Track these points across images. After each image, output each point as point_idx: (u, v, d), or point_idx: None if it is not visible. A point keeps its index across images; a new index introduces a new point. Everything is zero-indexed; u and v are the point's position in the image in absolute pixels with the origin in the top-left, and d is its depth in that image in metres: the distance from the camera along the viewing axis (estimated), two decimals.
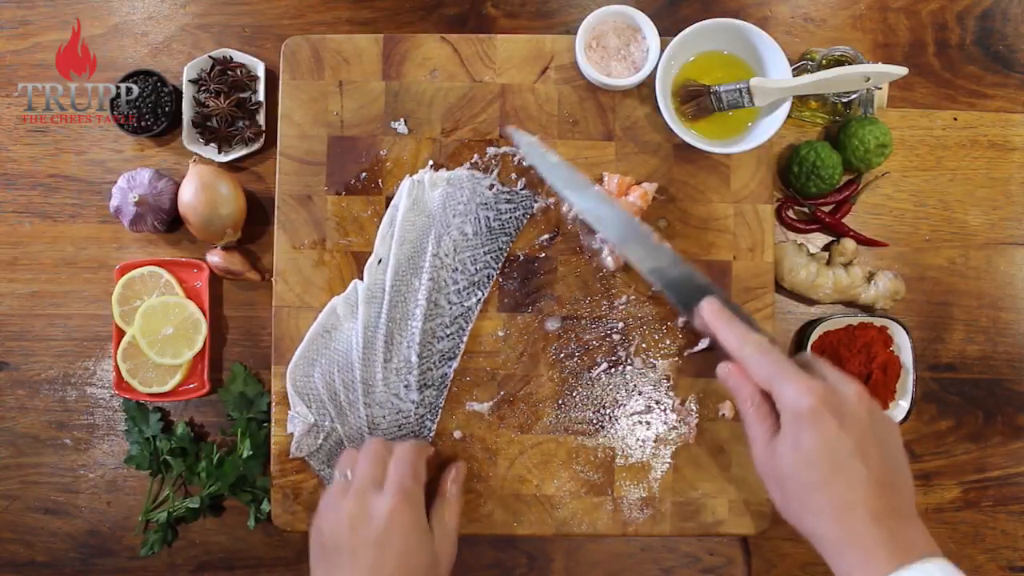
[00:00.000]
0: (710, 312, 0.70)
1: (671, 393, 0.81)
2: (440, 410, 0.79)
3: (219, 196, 0.82)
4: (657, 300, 0.81)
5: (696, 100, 0.79)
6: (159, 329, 0.83)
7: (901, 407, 0.85)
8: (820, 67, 0.83)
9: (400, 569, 0.65)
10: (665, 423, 0.80)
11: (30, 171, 0.89)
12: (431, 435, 0.79)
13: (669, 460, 0.80)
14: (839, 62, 0.84)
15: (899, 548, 0.57)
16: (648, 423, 0.80)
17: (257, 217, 0.88)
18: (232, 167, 0.88)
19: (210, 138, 0.86)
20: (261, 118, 0.87)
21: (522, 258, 0.81)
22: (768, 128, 0.78)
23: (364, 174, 0.82)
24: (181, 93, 0.87)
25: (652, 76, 0.79)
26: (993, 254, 0.89)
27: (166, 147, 0.89)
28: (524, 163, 0.82)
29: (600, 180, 0.82)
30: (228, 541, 0.87)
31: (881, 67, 0.76)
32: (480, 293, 0.80)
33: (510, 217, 0.80)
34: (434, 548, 0.69)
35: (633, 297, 0.81)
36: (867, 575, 0.57)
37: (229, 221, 0.83)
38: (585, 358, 0.81)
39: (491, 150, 0.82)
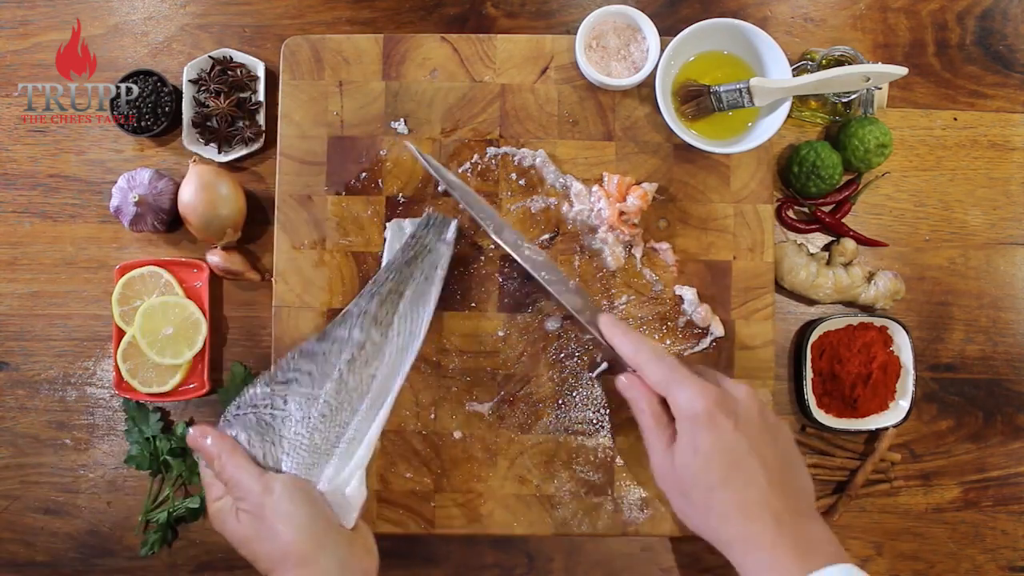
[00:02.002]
0: (607, 323, 0.72)
1: None
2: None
3: (219, 196, 0.82)
4: (657, 300, 0.81)
5: (696, 100, 0.79)
6: (159, 329, 0.83)
7: (901, 407, 0.85)
8: (820, 67, 0.83)
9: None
10: None
11: (30, 171, 0.89)
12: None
13: None
14: (839, 62, 0.84)
15: (804, 551, 0.58)
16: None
17: (257, 217, 0.88)
18: (232, 167, 0.88)
19: (210, 138, 0.86)
20: (261, 118, 0.87)
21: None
22: (768, 128, 0.78)
23: (364, 174, 0.82)
24: (181, 93, 0.87)
25: (652, 76, 0.79)
26: (993, 254, 0.89)
27: (166, 147, 0.89)
28: (524, 163, 0.82)
29: (600, 180, 0.82)
30: (228, 541, 0.87)
31: (881, 67, 0.76)
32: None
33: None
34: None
35: (633, 297, 0.81)
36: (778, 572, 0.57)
37: (229, 221, 0.83)
38: (585, 358, 0.81)
39: (491, 150, 0.82)
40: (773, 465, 0.62)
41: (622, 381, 0.69)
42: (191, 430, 0.69)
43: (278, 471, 0.68)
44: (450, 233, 0.78)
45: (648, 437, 0.67)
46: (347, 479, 0.69)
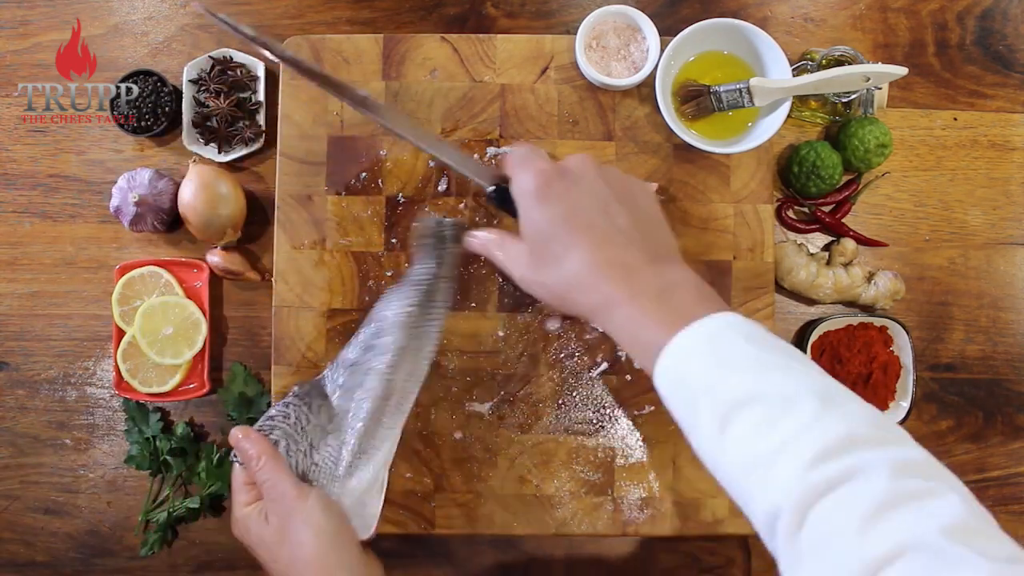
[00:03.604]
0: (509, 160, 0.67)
1: None
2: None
3: (219, 196, 0.82)
4: None
5: (696, 100, 0.79)
6: (159, 329, 0.83)
7: (901, 407, 0.85)
8: (820, 67, 0.83)
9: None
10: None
11: (30, 171, 0.89)
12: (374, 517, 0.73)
13: (669, 460, 0.80)
14: (839, 62, 0.84)
15: (667, 300, 0.54)
16: (648, 422, 0.80)
17: (257, 217, 0.88)
18: (232, 167, 0.88)
19: (210, 138, 0.86)
20: (261, 118, 0.87)
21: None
22: (768, 128, 0.78)
23: (364, 174, 0.82)
24: (181, 93, 0.87)
25: (652, 76, 0.79)
26: (993, 254, 0.89)
27: (166, 147, 0.89)
28: None
29: None
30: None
31: (881, 67, 0.76)
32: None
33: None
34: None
35: None
36: (650, 333, 0.53)
37: (229, 221, 0.83)
38: (585, 358, 0.81)
39: (491, 150, 0.82)
40: (624, 223, 0.59)
41: (474, 237, 0.68)
42: (234, 430, 0.69)
43: (307, 480, 0.69)
44: (458, 231, 0.77)
45: (503, 251, 0.65)
46: (370, 492, 0.71)
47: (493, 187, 0.67)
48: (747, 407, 0.49)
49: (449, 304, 0.74)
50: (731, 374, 0.50)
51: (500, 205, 0.66)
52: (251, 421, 0.84)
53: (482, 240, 0.67)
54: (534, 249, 0.61)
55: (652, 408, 0.80)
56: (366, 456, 0.71)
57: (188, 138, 0.86)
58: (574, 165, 0.62)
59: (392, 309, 0.72)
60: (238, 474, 0.70)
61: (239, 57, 0.87)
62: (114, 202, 0.84)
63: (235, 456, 0.70)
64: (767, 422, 0.48)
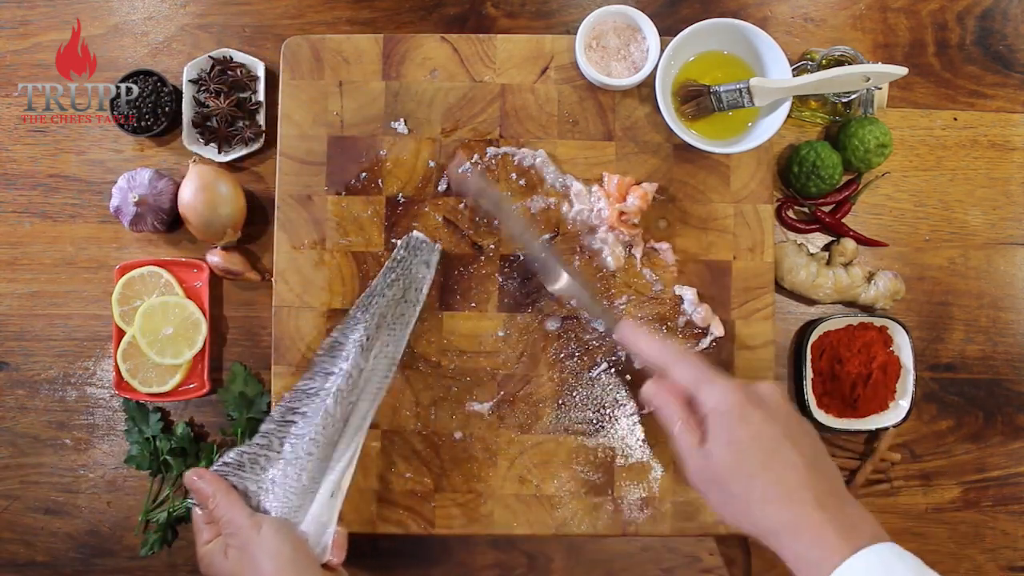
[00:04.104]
0: (628, 327, 0.72)
1: None
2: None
3: (219, 196, 0.82)
4: (657, 300, 0.81)
5: (696, 100, 0.79)
6: (159, 329, 0.83)
7: (901, 407, 0.85)
8: (820, 67, 0.83)
9: None
10: None
11: (30, 171, 0.89)
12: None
13: (669, 460, 0.80)
14: (839, 62, 0.84)
15: (849, 530, 0.57)
16: (648, 423, 0.80)
17: (257, 217, 0.87)
18: (232, 167, 0.88)
19: (210, 138, 0.86)
20: (261, 118, 0.87)
21: (522, 258, 0.81)
22: (768, 128, 0.78)
23: (364, 174, 0.82)
24: (181, 93, 0.87)
25: (652, 76, 0.79)
26: (993, 254, 0.89)
27: (166, 147, 0.89)
28: (524, 163, 0.82)
29: (600, 180, 0.82)
30: None
31: (881, 67, 0.76)
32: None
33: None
34: None
35: (633, 297, 0.81)
36: (823, 558, 0.56)
37: (229, 221, 0.83)
38: (585, 358, 0.81)
39: (491, 150, 0.82)
40: (807, 452, 0.62)
41: (649, 389, 0.68)
42: (187, 473, 0.72)
43: (267, 512, 0.71)
44: (434, 257, 0.79)
45: (680, 439, 0.66)
46: (327, 515, 0.71)
47: (603, 366, 0.74)
48: None
49: (409, 327, 0.77)
50: None
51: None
52: (251, 421, 0.84)
53: (666, 405, 0.67)
54: (720, 456, 0.63)
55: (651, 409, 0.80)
56: (326, 479, 0.72)
57: (188, 138, 0.86)
58: (769, 392, 0.66)
59: (342, 332, 0.75)
60: (197, 515, 0.71)
61: (239, 57, 0.87)
62: (114, 202, 0.84)
63: (191, 499, 0.72)
64: None
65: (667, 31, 0.79)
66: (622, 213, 0.80)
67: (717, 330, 0.80)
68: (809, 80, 0.75)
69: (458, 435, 0.80)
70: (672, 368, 0.68)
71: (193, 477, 0.71)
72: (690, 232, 0.82)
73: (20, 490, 0.87)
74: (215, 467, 0.72)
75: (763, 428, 0.62)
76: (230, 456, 0.72)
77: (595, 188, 0.81)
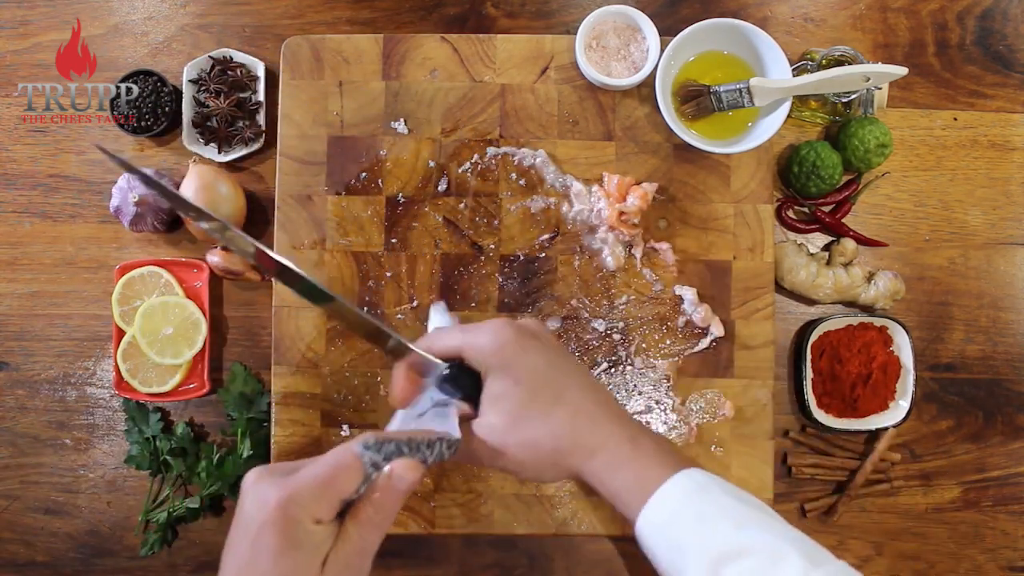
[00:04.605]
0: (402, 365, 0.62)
1: (671, 393, 0.81)
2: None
3: (219, 196, 0.82)
4: (657, 300, 0.81)
5: (696, 100, 0.79)
6: (159, 329, 0.83)
7: (901, 407, 0.85)
8: (820, 67, 0.83)
9: (243, 568, 0.54)
10: (665, 423, 0.80)
11: (30, 171, 0.89)
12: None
13: None
14: (839, 62, 0.84)
15: (665, 455, 0.58)
16: (648, 423, 0.80)
17: (257, 217, 0.87)
18: (232, 167, 0.88)
19: (210, 138, 0.86)
20: (261, 118, 0.87)
21: (522, 258, 0.81)
22: (768, 128, 0.78)
23: (364, 174, 0.82)
24: (181, 93, 0.87)
25: (652, 76, 0.79)
26: (993, 254, 0.89)
27: (166, 147, 0.89)
28: (524, 163, 0.82)
29: (600, 180, 0.82)
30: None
31: (881, 67, 0.76)
32: None
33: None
34: None
35: (633, 297, 0.81)
36: (643, 484, 0.56)
37: (229, 221, 0.83)
38: (585, 358, 0.81)
39: (491, 150, 0.82)
40: (590, 377, 0.62)
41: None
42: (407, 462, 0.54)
43: None
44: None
45: (471, 436, 0.59)
46: None
47: (448, 366, 0.60)
48: (736, 560, 0.52)
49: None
50: (717, 527, 0.54)
51: (454, 385, 0.60)
52: (251, 421, 0.84)
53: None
54: (516, 408, 0.57)
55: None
56: None
57: (188, 138, 0.86)
58: (530, 324, 0.62)
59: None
60: (339, 479, 0.52)
61: (239, 57, 0.87)
62: (114, 202, 0.84)
63: (373, 467, 0.53)
64: (758, 575, 0.51)
65: (667, 31, 0.79)
66: (622, 213, 0.80)
67: (717, 330, 0.80)
68: (809, 80, 0.75)
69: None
70: (434, 347, 0.60)
71: (403, 465, 0.53)
72: (690, 232, 0.82)
73: (20, 490, 0.87)
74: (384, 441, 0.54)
75: (547, 356, 0.59)
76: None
77: (595, 188, 0.81)
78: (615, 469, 0.58)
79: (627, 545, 0.87)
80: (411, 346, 0.60)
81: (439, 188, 0.82)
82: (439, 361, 0.60)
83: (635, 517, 0.57)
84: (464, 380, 0.60)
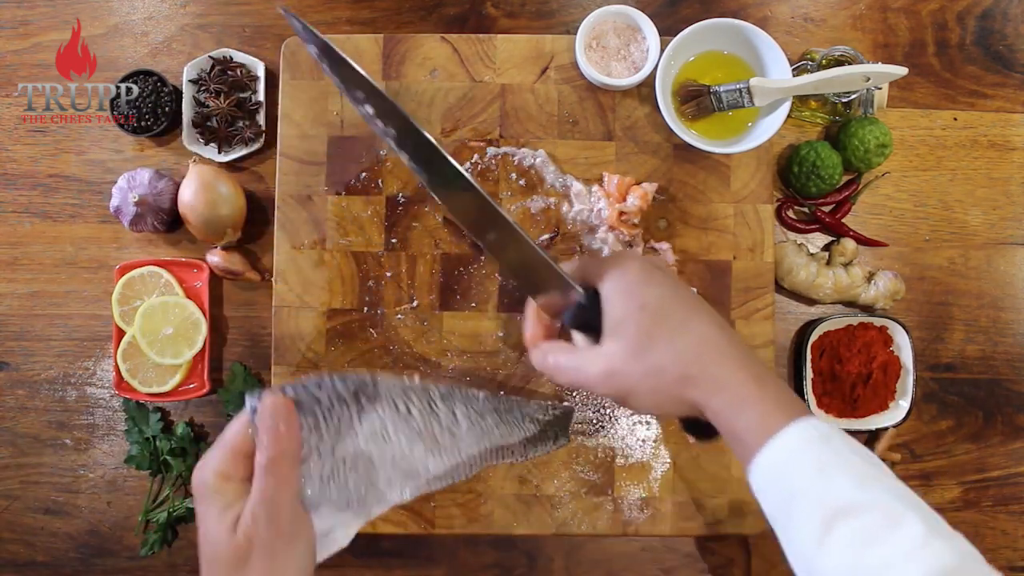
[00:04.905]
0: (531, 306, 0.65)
1: None
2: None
3: (219, 196, 0.82)
4: None
5: (696, 100, 0.79)
6: (159, 329, 0.83)
7: (901, 407, 0.85)
8: (820, 67, 0.83)
9: (200, 551, 0.55)
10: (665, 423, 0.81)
11: (30, 171, 0.89)
12: None
13: (669, 460, 0.80)
14: (839, 62, 0.84)
15: (787, 403, 0.55)
16: (648, 423, 0.80)
17: (257, 217, 0.87)
18: (232, 167, 0.88)
19: (210, 138, 0.86)
20: (261, 118, 0.87)
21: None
22: (768, 128, 0.78)
23: (364, 174, 0.82)
24: (181, 93, 0.87)
25: (652, 76, 0.79)
26: (993, 254, 0.89)
27: (166, 147, 0.89)
28: (524, 163, 0.82)
29: (600, 180, 0.82)
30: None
31: (881, 67, 0.76)
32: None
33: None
34: (224, 546, 0.53)
35: None
36: (763, 425, 0.54)
37: (229, 221, 0.83)
38: None
39: (491, 150, 0.82)
40: (714, 313, 0.59)
41: (540, 349, 0.62)
42: (269, 393, 0.56)
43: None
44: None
45: (578, 360, 0.59)
46: (345, 527, 0.60)
47: (585, 293, 0.60)
48: (852, 516, 0.49)
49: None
50: (836, 480, 0.51)
51: (586, 317, 0.60)
52: None
53: (552, 351, 0.61)
54: (640, 333, 0.57)
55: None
56: (366, 505, 0.61)
57: (188, 138, 0.86)
58: (662, 263, 0.64)
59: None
60: (235, 434, 0.55)
61: (239, 57, 0.87)
62: (114, 202, 0.84)
63: (253, 414, 0.55)
64: (873, 535, 0.49)
65: (667, 31, 0.79)
66: (622, 213, 0.80)
67: None
68: (809, 80, 0.75)
69: None
70: (597, 269, 0.61)
71: (275, 402, 0.55)
72: (690, 232, 0.82)
73: (20, 490, 0.87)
74: (292, 391, 0.57)
75: (673, 285, 0.59)
76: (307, 387, 0.57)
77: (595, 188, 0.81)
78: (740, 407, 0.55)
79: (627, 545, 0.87)
80: (552, 262, 0.61)
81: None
82: (577, 286, 0.60)
83: (751, 459, 0.54)
84: (598, 310, 0.59)
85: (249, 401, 0.56)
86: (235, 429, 0.56)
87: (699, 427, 0.61)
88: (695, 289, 0.81)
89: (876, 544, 0.49)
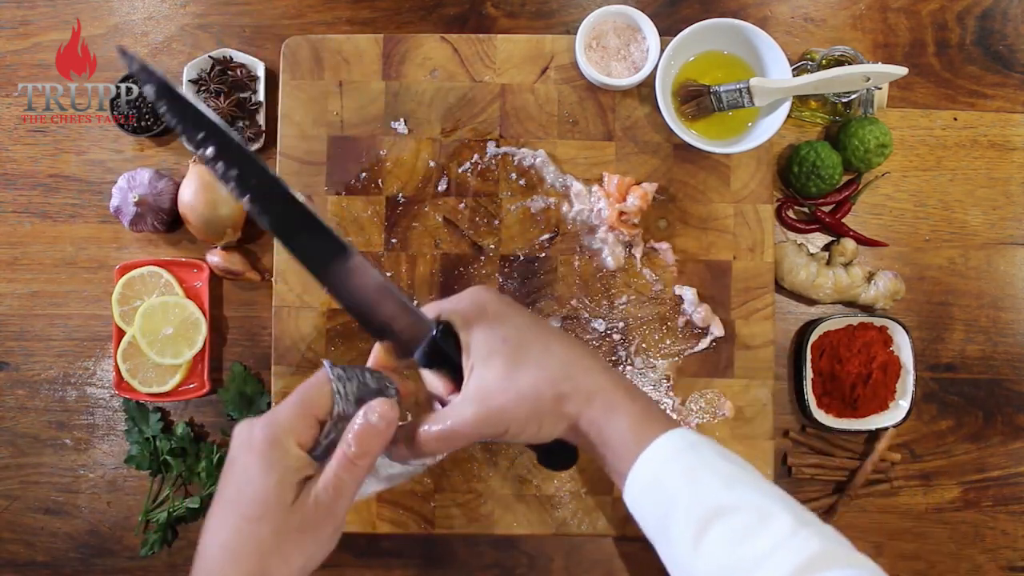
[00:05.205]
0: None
1: (671, 393, 0.81)
2: None
3: (219, 196, 0.82)
4: (657, 300, 0.81)
5: (696, 100, 0.79)
6: (159, 329, 0.83)
7: (901, 407, 0.85)
8: (820, 67, 0.83)
9: (229, 502, 0.54)
10: None
11: (30, 171, 0.89)
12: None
13: None
14: (839, 62, 0.84)
15: (658, 414, 0.58)
16: None
17: None
18: None
19: None
20: (261, 118, 0.87)
21: (522, 258, 0.81)
22: (768, 128, 0.78)
23: (364, 174, 0.82)
24: None
25: (652, 76, 0.79)
26: (993, 254, 0.89)
27: (166, 147, 0.89)
28: (524, 163, 0.82)
29: (600, 180, 0.82)
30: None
31: (881, 67, 0.76)
32: None
33: None
34: (278, 509, 0.53)
35: (633, 297, 0.81)
36: (635, 440, 0.56)
37: (229, 221, 0.83)
38: None
39: (491, 150, 0.82)
40: (572, 336, 0.63)
41: (398, 449, 0.58)
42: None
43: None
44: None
45: (448, 413, 0.57)
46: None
47: (437, 326, 0.59)
48: (724, 517, 0.52)
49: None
50: (705, 483, 0.53)
51: (439, 354, 0.59)
52: None
53: (419, 434, 0.57)
54: (508, 362, 0.57)
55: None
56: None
57: None
58: (499, 294, 0.63)
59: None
60: (311, 399, 0.55)
61: (239, 57, 0.87)
62: (114, 202, 0.84)
63: (339, 383, 0.56)
64: (745, 533, 0.51)
65: (667, 31, 0.79)
66: (622, 213, 0.80)
67: (717, 330, 0.80)
68: (809, 80, 0.75)
69: None
70: (448, 307, 0.60)
71: (386, 405, 0.56)
72: (690, 232, 0.82)
73: (20, 490, 0.87)
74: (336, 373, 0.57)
75: (528, 315, 0.61)
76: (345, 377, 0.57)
77: (595, 188, 0.81)
78: (612, 413, 0.57)
79: (627, 545, 0.87)
80: (402, 296, 0.59)
81: (439, 188, 0.82)
82: (430, 320, 0.59)
83: (626, 471, 0.56)
84: (452, 344, 0.59)
85: (331, 368, 0.56)
86: (310, 390, 0.56)
87: (553, 457, 0.64)
88: (695, 289, 0.81)
89: (748, 540, 0.51)
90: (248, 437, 0.54)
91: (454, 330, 0.59)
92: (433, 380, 0.61)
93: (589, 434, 0.58)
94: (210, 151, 0.55)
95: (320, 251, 0.58)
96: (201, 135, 0.55)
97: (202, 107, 0.56)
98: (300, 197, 0.57)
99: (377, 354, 0.62)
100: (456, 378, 0.60)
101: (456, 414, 0.57)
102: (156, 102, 0.55)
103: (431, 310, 0.61)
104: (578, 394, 0.57)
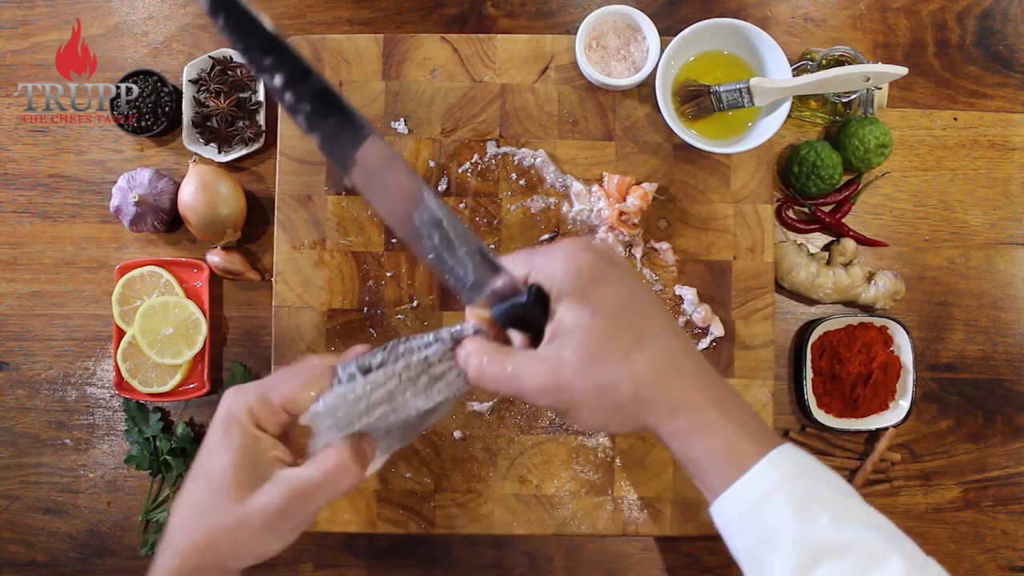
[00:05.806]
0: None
1: None
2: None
3: (219, 196, 0.82)
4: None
5: (696, 100, 0.79)
6: (159, 329, 0.83)
7: (901, 407, 0.85)
8: (820, 67, 0.83)
9: (195, 467, 0.54)
10: None
11: (30, 171, 0.89)
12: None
13: (669, 460, 0.80)
14: (839, 62, 0.84)
15: (755, 432, 0.51)
16: None
17: (257, 217, 0.87)
18: (232, 167, 0.88)
19: (210, 138, 0.86)
20: (261, 118, 0.87)
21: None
22: (768, 128, 0.78)
23: None
24: (181, 93, 0.87)
25: (652, 76, 0.79)
26: (993, 254, 0.89)
27: (166, 147, 0.89)
28: (524, 163, 0.82)
29: (600, 180, 0.82)
30: None
31: (881, 67, 0.76)
32: None
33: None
34: (232, 487, 0.51)
35: None
36: (735, 459, 0.50)
37: (229, 221, 0.83)
38: None
39: (491, 150, 0.82)
40: (669, 319, 0.53)
41: (464, 350, 0.54)
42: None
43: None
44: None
45: (515, 367, 0.51)
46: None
47: (529, 290, 0.53)
48: (833, 558, 0.47)
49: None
50: (817, 520, 0.48)
51: (525, 317, 0.53)
52: None
53: (478, 353, 0.53)
54: (591, 345, 0.50)
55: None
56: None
57: (188, 138, 0.86)
58: (607, 249, 0.56)
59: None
60: (285, 391, 0.53)
61: (239, 57, 0.87)
62: (114, 202, 0.84)
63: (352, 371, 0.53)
64: None
65: (667, 31, 0.80)
66: (622, 213, 0.80)
67: (717, 330, 0.80)
68: (809, 80, 0.75)
69: (458, 435, 0.80)
70: (541, 265, 0.53)
71: (364, 444, 0.54)
72: (690, 232, 0.82)
73: (20, 490, 0.87)
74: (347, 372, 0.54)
75: (628, 288, 0.52)
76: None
77: (595, 188, 0.81)
78: (698, 432, 0.51)
79: (627, 545, 0.87)
80: (490, 256, 0.53)
81: (439, 188, 0.82)
82: (517, 278, 0.53)
83: (718, 489, 0.51)
84: (540, 310, 0.52)
85: (343, 370, 0.53)
86: (291, 385, 0.53)
87: (516, 324, 0.54)
88: (695, 289, 0.81)
89: None
90: (221, 405, 0.53)
91: (544, 294, 0.52)
92: (517, 339, 0.54)
93: (670, 445, 0.52)
94: (278, 80, 0.51)
95: (403, 194, 0.54)
96: (269, 60, 0.50)
97: (267, 23, 0.50)
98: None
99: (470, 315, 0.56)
100: (536, 337, 0.53)
101: (521, 372, 0.51)
102: (211, 14, 0.49)
103: (519, 264, 0.54)
104: (662, 405, 0.51)
